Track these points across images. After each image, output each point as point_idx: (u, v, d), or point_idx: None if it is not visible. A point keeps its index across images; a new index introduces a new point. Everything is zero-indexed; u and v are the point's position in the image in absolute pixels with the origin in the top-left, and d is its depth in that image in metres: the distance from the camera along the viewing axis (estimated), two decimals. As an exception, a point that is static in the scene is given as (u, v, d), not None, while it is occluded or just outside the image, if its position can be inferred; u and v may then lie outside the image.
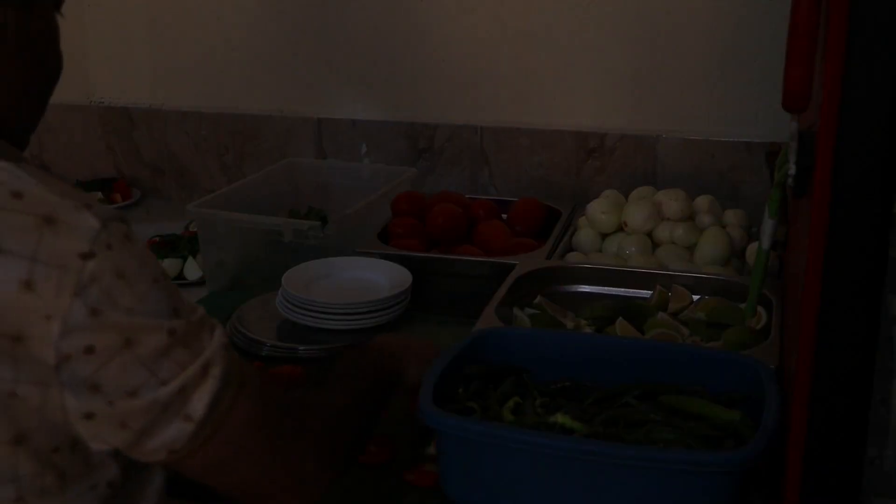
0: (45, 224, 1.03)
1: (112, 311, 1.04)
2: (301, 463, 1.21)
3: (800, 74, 1.16)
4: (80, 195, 1.08)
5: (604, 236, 2.14)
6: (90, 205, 1.07)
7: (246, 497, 1.21)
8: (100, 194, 2.78)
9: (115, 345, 1.05)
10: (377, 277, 2.03)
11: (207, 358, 1.11)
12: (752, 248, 1.99)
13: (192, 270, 2.27)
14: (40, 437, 1.06)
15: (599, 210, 2.14)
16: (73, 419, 1.07)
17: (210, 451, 1.13)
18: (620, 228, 2.13)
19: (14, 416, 1.04)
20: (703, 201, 2.14)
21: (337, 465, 1.26)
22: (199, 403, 1.10)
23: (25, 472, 1.06)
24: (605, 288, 1.91)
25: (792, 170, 1.20)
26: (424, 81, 2.57)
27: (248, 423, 1.15)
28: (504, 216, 2.29)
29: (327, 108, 2.68)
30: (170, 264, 2.27)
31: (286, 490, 1.21)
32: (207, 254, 2.23)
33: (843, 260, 1.13)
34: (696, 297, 1.83)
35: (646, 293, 1.87)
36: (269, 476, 1.19)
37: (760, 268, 1.50)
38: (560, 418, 1.35)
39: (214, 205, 2.23)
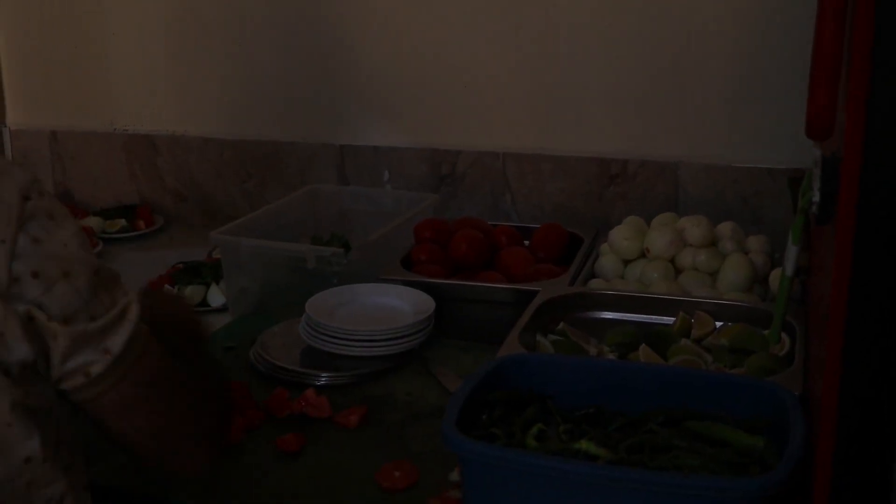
0: None
1: (50, 244, 1.21)
2: (197, 423, 1.37)
3: (823, 101, 1.16)
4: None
5: (626, 262, 2.14)
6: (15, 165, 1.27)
7: (151, 447, 1.34)
8: (124, 221, 2.80)
9: (55, 274, 1.21)
10: (400, 304, 2.04)
11: (125, 304, 1.27)
12: (774, 275, 1.98)
13: (216, 297, 2.28)
14: None
15: (622, 236, 2.14)
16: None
17: (123, 389, 1.26)
18: (643, 255, 2.12)
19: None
20: (725, 227, 2.14)
21: (215, 442, 1.42)
22: (118, 339, 1.25)
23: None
24: (628, 314, 1.92)
25: (816, 196, 1.20)
26: (446, 108, 2.58)
27: (155, 372, 1.30)
28: (526, 242, 2.29)
29: (349, 135, 2.70)
30: (193, 291, 2.28)
31: (185, 445, 1.37)
32: (230, 280, 2.24)
33: (868, 286, 1.13)
34: (718, 324, 1.83)
35: (669, 319, 1.87)
36: (171, 428, 1.34)
37: (784, 294, 1.50)
38: (584, 445, 1.34)
39: (237, 231, 2.24)
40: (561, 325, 1.82)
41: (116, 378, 1.26)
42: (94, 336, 1.24)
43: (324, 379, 1.88)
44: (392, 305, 2.04)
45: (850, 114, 1.09)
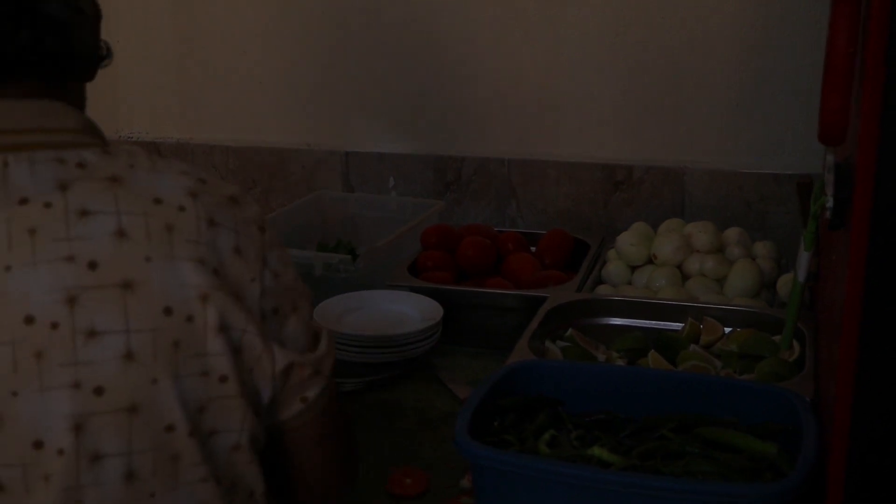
0: (232, 202, 1.18)
1: (285, 276, 1.20)
2: (353, 450, 1.36)
3: (837, 107, 1.16)
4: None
5: (633, 269, 2.14)
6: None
7: (329, 478, 1.31)
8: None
9: (288, 309, 1.20)
10: (408, 310, 2.04)
11: (318, 327, 1.26)
12: (782, 280, 1.98)
13: (222, 304, 2.28)
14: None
15: (628, 242, 2.14)
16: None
17: (325, 416, 1.24)
18: (650, 261, 2.12)
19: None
20: (732, 233, 2.14)
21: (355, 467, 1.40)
22: (327, 362, 1.24)
23: (248, 426, 1.15)
24: (636, 320, 1.92)
25: (829, 202, 1.20)
26: (451, 114, 2.58)
27: (338, 401, 1.29)
28: (532, 248, 2.29)
29: (354, 142, 2.69)
30: (200, 298, 2.27)
31: (347, 473, 1.35)
32: (237, 287, 2.23)
33: (882, 290, 1.13)
34: (727, 330, 1.83)
35: (676, 325, 1.87)
36: (347, 458, 1.34)
37: (796, 300, 1.50)
38: (597, 451, 1.34)
39: (244, 238, 2.23)
40: (569, 331, 1.82)
41: (324, 403, 1.24)
42: (315, 363, 1.22)
43: (332, 385, 1.88)
44: (400, 312, 2.04)
45: (864, 119, 1.09)
